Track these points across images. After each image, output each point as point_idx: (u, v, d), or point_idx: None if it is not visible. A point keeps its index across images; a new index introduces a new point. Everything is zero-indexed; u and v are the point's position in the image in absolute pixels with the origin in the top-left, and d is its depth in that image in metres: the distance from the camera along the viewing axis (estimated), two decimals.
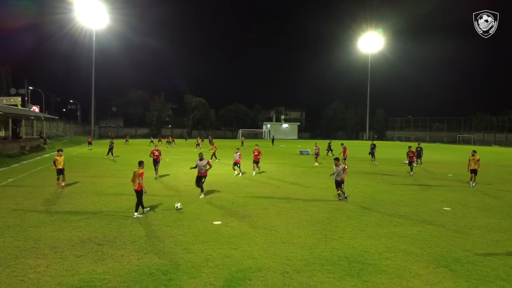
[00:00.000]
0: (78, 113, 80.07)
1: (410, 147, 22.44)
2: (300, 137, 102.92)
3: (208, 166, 14.12)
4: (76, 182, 16.86)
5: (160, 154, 19.16)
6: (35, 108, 67.25)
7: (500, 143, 71.00)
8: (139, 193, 11.00)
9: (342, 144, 29.12)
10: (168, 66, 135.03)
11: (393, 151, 44.78)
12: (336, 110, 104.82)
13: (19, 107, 45.97)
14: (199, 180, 14.15)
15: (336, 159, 13.66)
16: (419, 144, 25.58)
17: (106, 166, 24.32)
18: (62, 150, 16.88)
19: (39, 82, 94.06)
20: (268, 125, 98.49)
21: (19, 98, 47.56)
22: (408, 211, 11.91)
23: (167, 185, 16.64)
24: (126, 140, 55.11)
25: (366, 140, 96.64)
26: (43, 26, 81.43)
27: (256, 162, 20.86)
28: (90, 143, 41.31)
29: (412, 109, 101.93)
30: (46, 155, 32.68)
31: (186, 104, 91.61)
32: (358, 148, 48.80)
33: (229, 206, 12.33)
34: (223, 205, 12.46)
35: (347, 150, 28.17)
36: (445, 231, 9.65)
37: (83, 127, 77.27)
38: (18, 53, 76.25)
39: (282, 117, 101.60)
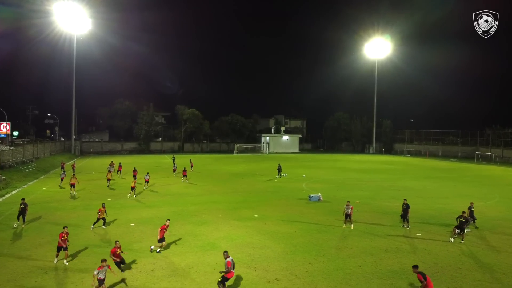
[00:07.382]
0: (57, 128, 72.58)
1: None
2: (301, 149, 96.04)
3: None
4: None
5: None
6: (6, 126, 60.20)
7: None
8: None
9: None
10: (158, 72, 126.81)
11: (420, 190, 37.65)
12: (340, 120, 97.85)
13: None
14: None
15: None
16: (463, 212, 18.17)
17: (41, 237, 17.06)
18: None
19: (15, 94, 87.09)
20: (267, 137, 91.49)
21: None
22: None
23: None
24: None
25: (373, 153, 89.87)
26: (17, 32, 74.19)
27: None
28: (62, 179, 33.40)
29: (422, 120, 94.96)
30: None
31: (178, 115, 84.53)
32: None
33: None
34: None
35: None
36: None
37: (62, 144, 69.62)
38: None
39: (282, 128, 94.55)
